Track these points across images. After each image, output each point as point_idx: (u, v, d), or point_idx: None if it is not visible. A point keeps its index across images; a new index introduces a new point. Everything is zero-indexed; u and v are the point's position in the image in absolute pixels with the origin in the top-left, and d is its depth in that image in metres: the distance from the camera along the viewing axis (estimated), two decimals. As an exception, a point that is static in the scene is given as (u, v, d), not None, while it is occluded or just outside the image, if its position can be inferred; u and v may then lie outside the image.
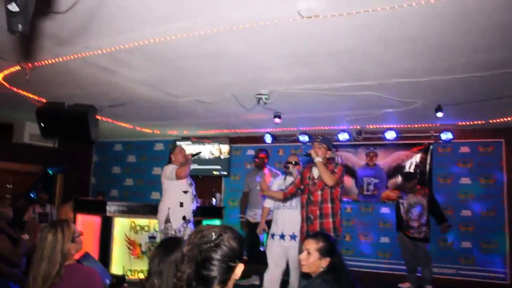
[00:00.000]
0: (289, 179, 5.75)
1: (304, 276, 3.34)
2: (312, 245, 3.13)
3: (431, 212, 7.10)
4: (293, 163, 5.78)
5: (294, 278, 5.47)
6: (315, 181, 4.97)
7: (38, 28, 3.97)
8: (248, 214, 7.27)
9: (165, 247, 2.54)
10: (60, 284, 2.64)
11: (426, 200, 7.12)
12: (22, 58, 4.96)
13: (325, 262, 3.08)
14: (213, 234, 1.79)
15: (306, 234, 4.68)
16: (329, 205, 4.82)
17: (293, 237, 5.45)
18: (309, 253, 3.12)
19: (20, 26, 2.01)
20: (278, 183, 5.92)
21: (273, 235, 5.62)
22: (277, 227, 5.60)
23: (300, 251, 3.27)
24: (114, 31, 4.05)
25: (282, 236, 5.52)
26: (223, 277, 1.77)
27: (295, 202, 5.56)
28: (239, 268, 1.83)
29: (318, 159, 4.84)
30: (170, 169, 5.69)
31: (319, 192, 4.89)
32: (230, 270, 1.79)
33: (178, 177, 5.58)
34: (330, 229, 4.69)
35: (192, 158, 5.87)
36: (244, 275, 7.05)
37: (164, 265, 2.43)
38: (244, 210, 7.48)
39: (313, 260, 3.09)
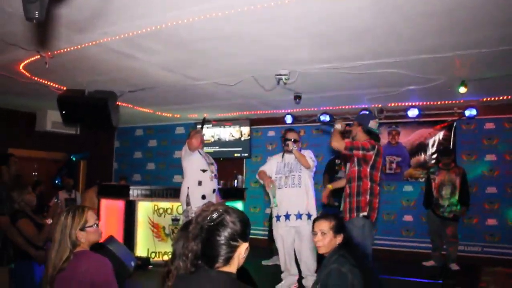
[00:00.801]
0: (288, 157, 5.60)
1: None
2: (325, 225, 3.15)
3: (460, 192, 7.01)
4: (292, 140, 5.49)
5: (309, 260, 5.38)
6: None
7: (55, 16, 3.98)
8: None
9: (187, 229, 2.55)
10: (68, 269, 2.63)
11: (459, 179, 7.02)
12: (41, 47, 4.98)
13: (339, 239, 3.13)
14: (215, 213, 1.84)
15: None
16: (356, 183, 4.64)
17: (298, 216, 5.34)
18: (323, 233, 3.13)
19: (36, 12, 2.00)
20: (277, 160, 5.72)
21: (278, 217, 5.49)
22: (282, 208, 5.43)
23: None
24: (131, 16, 4.04)
25: (287, 217, 5.39)
26: (226, 256, 1.82)
27: (298, 180, 5.44)
28: (243, 247, 1.87)
29: (337, 126, 4.77)
30: (184, 148, 5.74)
31: (349, 171, 4.81)
32: (233, 249, 1.84)
33: (190, 147, 5.59)
34: (354, 208, 4.57)
35: (202, 127, 5.86)
36: (267, 256, 7.14)
37: None
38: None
39: (329, 239, 3.12)
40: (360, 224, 4.50)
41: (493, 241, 7.65)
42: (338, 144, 4.63)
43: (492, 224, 7.70)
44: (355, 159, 4.66)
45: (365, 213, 4.53)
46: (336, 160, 7.41)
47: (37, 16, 2.02)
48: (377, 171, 4.65)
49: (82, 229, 2.76)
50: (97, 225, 2.88)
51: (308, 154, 5.51)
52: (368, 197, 4.56)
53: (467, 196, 7.09)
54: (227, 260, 1.82)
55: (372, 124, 4.84)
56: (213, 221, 1.82)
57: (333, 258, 3.03)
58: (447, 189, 7.03)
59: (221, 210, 1.86)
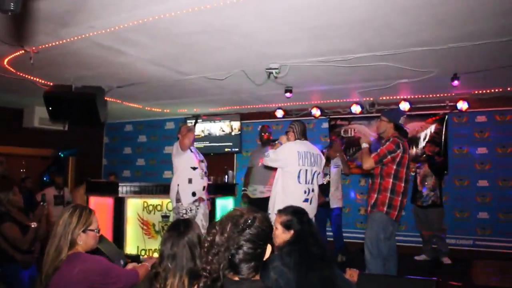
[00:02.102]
0: None
1: None
2: (277, 219, 3.17)
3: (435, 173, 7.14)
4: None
5: None
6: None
7: (35, 9, 3.87)
8: (248, 190, 7.06)
9: (177, 230, 2.48)
10: (61, 271, 2.56)
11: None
12: (25, 42, 4.87)
13: (288, 235, 3.08)
14: (248, 219, 1.75)
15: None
16: (378, 180, 4.68)
17: None
18: (276, 227, 3.14)
19: (12, 4, 1.91)
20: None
21: None
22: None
23: None
24: (117, 9, 3.94)
25: None
26: (257, 262, 1.74)
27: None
28: (268, 250, 1.80)
29: (363, 145, 4.84)
30: (175, 145, 5.66)
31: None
32: (263, 253, 1.77)
33: (183, 147, 5.51)
34: (371, 204, 4.70)
35: (194, 126, 5.76)
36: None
37: (178, 248, 2.39)
38: (246, 184, 7.30)
39: (278, 233, 3.11)
40: (376, 217, 4.64)
41: (485, 234, 7.65)
42: (368, 164, 4.66)
43: (484, 217, 7.70)
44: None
45: (382, 210, 4.60)
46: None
47: (12, 8, 1.92)
48: (403, 167, 4.64)
49: (85, 230, 2.70)
50: (98, 230, 2.81)
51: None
52: (388, 195, 4.59)
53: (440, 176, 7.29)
54: (257, 268, 1.75)
55: (402, 120, 4.89)
56: (246, 228, 1.73)
57: (279, 253, 2.99)
58: (430, 180, 7.06)
59: (249, 213, 1.78)
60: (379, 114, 8.17)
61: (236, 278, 1.72)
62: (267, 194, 5.86)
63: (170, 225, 2.67)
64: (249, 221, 1.74)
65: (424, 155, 7.43)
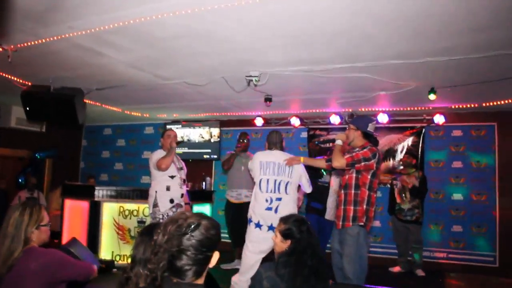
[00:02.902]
0: None
1: None
2: (277, 227, 3.17)
3: (417, 197, 7.12)
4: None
5: None
6: None
7: (13, 6, 3.82)
8: (230, 195, 7.02)
9: (150, 234, 2.44)
10: (17, 267, 2.56)
11: (419, 182, 7.10)
12: (4, 40, 4.81)
13: (285, 245, 3.07)
14: (191, 223, 1.73)
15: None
16: (353, 191, 4.43)
17: (271, 228, 4.70)
18: (275, 235, 3.15)
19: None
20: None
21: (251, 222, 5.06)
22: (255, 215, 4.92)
23: None
24: (98, 10, 3.92)
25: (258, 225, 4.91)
26: (200, 268, 1.72)
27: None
28: (215, 257, 1.78)
29: (337, 142, 4.65)
30: (154, 159, 5.52)
31: (346, 176, 4.56)
32: (207, 260, 1.75)
33: (160, 169, 5.42)
34: (349, 217, 4.38)
35: (176, 147, 5.63)
36: (227, 259, 7.04)
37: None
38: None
39: (277, 241, 3.12)
40: (355, 233, 4.35)
41: (458, 247, 7.74)
42: (339, 163, 4.45)
43: (458, 230, 7.80)
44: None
45: (362, 223, 4.36)
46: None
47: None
48: (377, 178, 4.50)
49: (37, 227, 2.72)
50: (49, 225, 2.85)
51: None
52: (365, 206, 4.38)
53: (422, 198, 7.24)
54: (200, 273, 1.74)
55: (371, 128, 4.63)
56: (188, 232, 1.71)
57: (276, 262, 3.01)
58: (408, 193, 7.10)
59: (196, 218, 1.76)
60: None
61: (175, 280, 1.71)
62: (248, 199, 5.94)
63: (142, 229, 2.63)
64: (192, 226, 1.72)
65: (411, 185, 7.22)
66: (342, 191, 4.54)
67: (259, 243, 4.74)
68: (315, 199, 6.26)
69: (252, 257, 4.77)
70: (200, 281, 1.75)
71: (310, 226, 3.13)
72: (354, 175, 4.46)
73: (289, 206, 4.73)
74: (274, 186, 4.78)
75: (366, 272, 4.40)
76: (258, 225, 4.76)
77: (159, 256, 1.70)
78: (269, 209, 4.71)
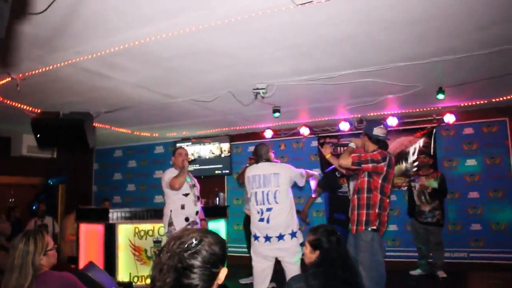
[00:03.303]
0: None
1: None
2: (308, 238, 3.15)
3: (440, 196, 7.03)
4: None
5: None
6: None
7: (19, 35, 3.87)
8: (247, 208, 6.89)
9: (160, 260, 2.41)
10: None
11: (438, 183, 7.03)
12: (12, 69, 4.85)
13: (314, 256, 3.04)
14: (194, 240, 1.70)
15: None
16: (365, 195, 4.37)
17: (267, 238, 4.78)
18: (305, 246, 3.15)
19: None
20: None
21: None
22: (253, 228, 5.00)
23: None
24: (102, 33, 3.96)
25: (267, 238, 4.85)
26: (206, 284, 1.68)
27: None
28: (223, 273, 1.74)
29: (351, 144, 4.64)
30: (167, 178, 5.51)
31: (358, 181, 4.51)
32: (213, 276, 1.71)
33: (173, 189, 5.42)
34: (362, 221, 4.33)
35: (188, 166, 5.61)
36: (246, 274, 6.97)
37: None
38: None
39: (307, 252, 3.10)
40: (369, 238, 4.28)
41: (478, 246, 7.65)
42: (345, 161, 4.44)
43: (476, 229, 7.70)
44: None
45: (374, 227, 4.30)
46: (337, 173, 6.35)
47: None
48: (389, 183, 4.42)
49: (45, 253, 2.75)
50: (55, 248, 2.90)
51: None
52: (377, 210, 4.32)
53: (442, 199, 7.17)
54: None
55: (378, 131, 4.55)
56: (191, 248, 1.68)
57: (306, 273, 2.98)
58: (427, 195, 7.03)
59: (199, 235, 1.72)
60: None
61: None
62: None
63: (160, 249, 2.62)
64: (195, 242, 1.69)
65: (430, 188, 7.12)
66: (355, 196, 4.50)
67: (261, 254, 4.83)
68: (337, 210, 6.16)
69: (258, 266, 4.87)
70: None
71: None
72: (366, 179, 4.41)
73: (282, 215, 4.73)
74: (262, 197, 4.81)
75: (385, 278, 4.31)
76: (256, 237, 4.84)
77: (163, 273, 1.67)
78: (261, 220, 4.77)
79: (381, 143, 4.60)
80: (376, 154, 4.35)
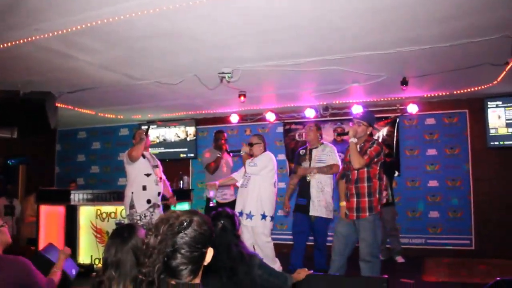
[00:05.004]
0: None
1: None
2: None
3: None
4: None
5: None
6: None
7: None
8: (216, 195, 6.97)
9: (121, 236, 2.37)
10: None
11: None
12: (-32, 44, 4.70)
13: None
14: (183, 221, 1.70)
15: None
16: (365, 184, 4.64)
17: (249, 216, 5.37)
18: None
19: None
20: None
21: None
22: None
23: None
24: (64, 11, 3.86)
25: (240, 214, 5.40)
26: (195, 265, 1.69)
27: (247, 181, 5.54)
28: (209, 253, 1.76)
29: (352, 140, 4.69)
30: (126, 154, 5.55)
31: (355, 171, 4.69)
32: (202, 256, 1.72)
33: (131, 158, 5.43)
34: (365, 208, 4.60)
35: (145, 138, 5.60)
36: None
37: (122, 254, 2.28)
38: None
39: None
40: (371, 219, 4.62)
41: (436, 232, 7.88)
42: (360, 164, 4.60)
43: (434, 216, 7.93)
44: None
45: (378, 211, 4.67)
46: (301, 151, 6.17)
47: None
48: (382, 167, 4.78)
49: None
50: (5, 225, 2.83)
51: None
52: (377, 196, 4.65)
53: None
54: (196, 271, 1.70)
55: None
56: (181, 230, 1.67)
57: None
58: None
59: (187, 216, 1.72)
60: (333, 118, 8.40)
61: (173, 282, 1.68)
62: (234, 197, 6.28)
63: (113, 231, 2.54)
64: (185, 223, 1.69)
65: None
66: (354, 185, 4.70)
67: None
68: (301, 195, 5.94)
69: None
70: (197, 280, 1.72)
71: (224, 224, 3.13)
72: (364, 169, 4.66)
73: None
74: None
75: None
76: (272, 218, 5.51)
77: (153, 258, 1.65)
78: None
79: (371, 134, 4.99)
80: (377, 147, 4.65)
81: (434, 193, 7.98)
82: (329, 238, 5.67)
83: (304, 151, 6.04)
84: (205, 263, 1.75)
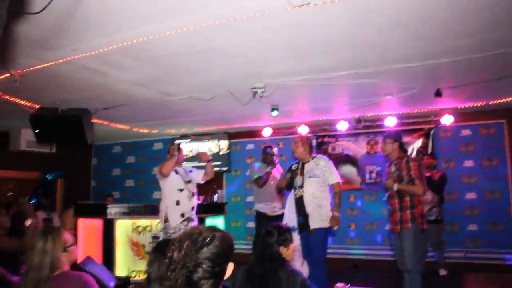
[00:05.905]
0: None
1: None
2: None
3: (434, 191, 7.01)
4: None
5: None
6: (393, 175, 5.08)
7: (17, 33, 3.88)
8: (265, 208, 6.85)
9: (162, 251, 2.43)
10: None
11: (439, 182, 7.10)
12: (11, 65, 4.86)
13: None
14: (206, 237, 1.74)
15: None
16: (408, 198, 4.90)
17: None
18: None
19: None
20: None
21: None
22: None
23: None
24: (101, 32, 3.96)
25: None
26: (216, 280, 1.73)
27: None
28: (229, 268, 1.80)
29: (394, 187, 4.93)
30: (156, 171, 5.68)
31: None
32: (223, 271, 1.76)
33: (162, 174, 5.54)
34: (408, 220, 4.85)
35: (176, 154, 5.64)
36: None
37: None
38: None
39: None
40: (414, 231, 4.85)
41: (475, 246, 7.68)
42: (422, 191, 4.90)
43: (473, 229, 7.74)
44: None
45: (418, 223, 4.86)
46: (293, 165, 5.79)
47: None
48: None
49: (64, 250, 2.71)
50: (75, 244, 2.86)
51: None
52: (419, 206, 4.91)
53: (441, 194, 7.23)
54: (216, 286, 1.74)
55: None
56: (204, 246, 1.72)
57: None
58: (428, 193, 7.03)
59: (209, 231, 1.77)
60: (366, 131, 8.34)
61: None
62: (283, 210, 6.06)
63: (155, 246, 2.63)
64: (208, 239, 1.74)
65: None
66: (396, 200, 4.96)
67: None
68: (299, 213, 5.45)
69: None
70: None
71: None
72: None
73: None
74: None
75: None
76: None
77: (176, 273, 1.70)
78: None
79: (403, 149, 5.18)
80: (415, 164, 4.90)
81: (472, 205, 7.79)
82: (329, 250, 5.40)
83: (296, 165, 5.61)
84: (226, 276, 1.79)
